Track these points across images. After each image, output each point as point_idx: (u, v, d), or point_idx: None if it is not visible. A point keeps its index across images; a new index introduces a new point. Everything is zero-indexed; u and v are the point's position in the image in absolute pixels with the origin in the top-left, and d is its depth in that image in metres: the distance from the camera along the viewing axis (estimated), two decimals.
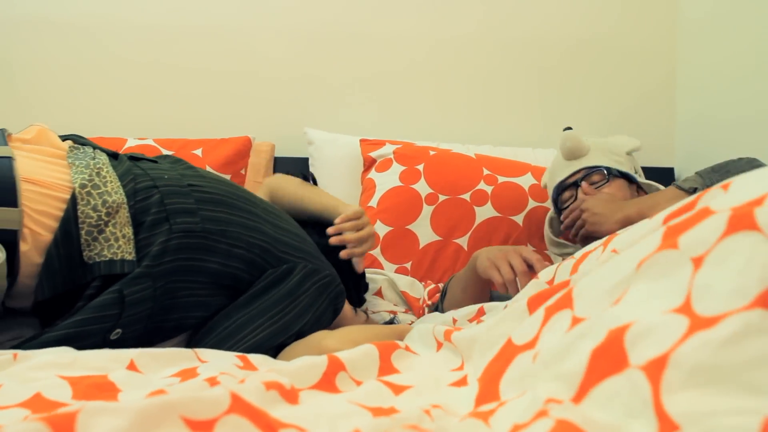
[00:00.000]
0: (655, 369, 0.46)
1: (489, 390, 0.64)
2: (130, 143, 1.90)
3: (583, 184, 1.53)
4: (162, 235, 0.95)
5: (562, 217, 1.56)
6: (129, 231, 0.94)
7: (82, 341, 0.87)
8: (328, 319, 1.13)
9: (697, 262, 0.52)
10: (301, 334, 1.04)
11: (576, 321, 0.60)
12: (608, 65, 2.27)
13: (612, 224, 1.34)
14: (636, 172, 1.60)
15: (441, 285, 1.62)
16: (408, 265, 1.79)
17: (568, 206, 1.56)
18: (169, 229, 0.95)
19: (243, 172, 1.95)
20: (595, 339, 0.53)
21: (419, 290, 1.62)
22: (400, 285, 1.61)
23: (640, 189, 1.58)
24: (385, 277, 1.64)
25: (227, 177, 1.88)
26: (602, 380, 0.50)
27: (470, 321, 1.09)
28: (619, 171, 1.55)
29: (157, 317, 0.96)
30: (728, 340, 0.44)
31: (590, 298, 0.62)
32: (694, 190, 1.25)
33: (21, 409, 0.61)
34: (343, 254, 1.21)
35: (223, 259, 1.00)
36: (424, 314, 1.53)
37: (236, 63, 2.16)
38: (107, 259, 0.91)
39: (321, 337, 1.04)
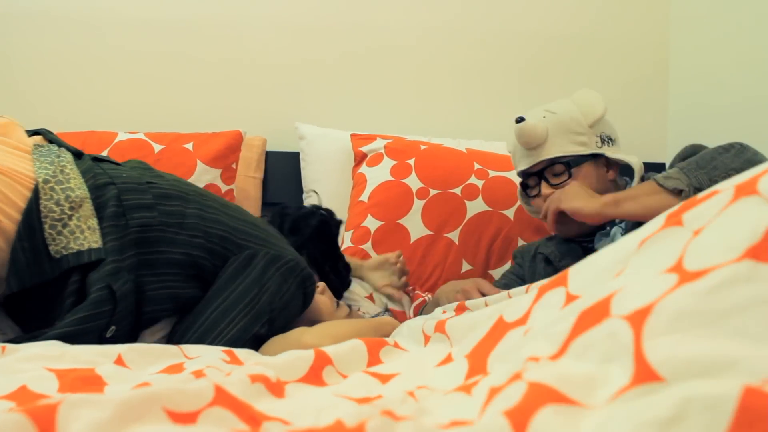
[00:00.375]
0: (638, 317, 0.46)
1: (478, 365, 0.64)
2: (121, 137, 1.90)
3: (544, 190, 1.42)
4: (119, 230, 0.97)
5: (535, 210, 1.53)
6: (94, 222, 0.96)
7: (80, 340, 0.87)
8: (298, 305, 1.15)
9: (698, 232, 0.52)
10: (272, 321, 1.07)
11: (571, 298, 0.60)
12: (600, 59, 2.27)
13: (589, 210, 1.25)
14: (605, 141, 1.42)
15: (427, 297, 1.63)
16: None
17: (534, 195, 1.47)
18: (126, 224, 0.98)
19: (234, 166, 1.95)
20: (585, 305, 0.53)
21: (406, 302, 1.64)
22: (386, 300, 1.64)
23: (611, 165, 1.44)
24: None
25: (218, 171, 1.88)
26: (582, 333, 0.50)
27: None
28: (581, 156, 1.40)
29: (139, 311, 0.98)
30: (714, 288, 0.44)
31: (587, 276, 0.62)
32: (679, 192, 1.15)
33: (6, 401, 0.61)
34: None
35: (185, 249, 1.02)
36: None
37: (227, 56, 2.15)
38: (74, 251, 0.92)
39: (300, 333, 1.06)
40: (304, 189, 2.02)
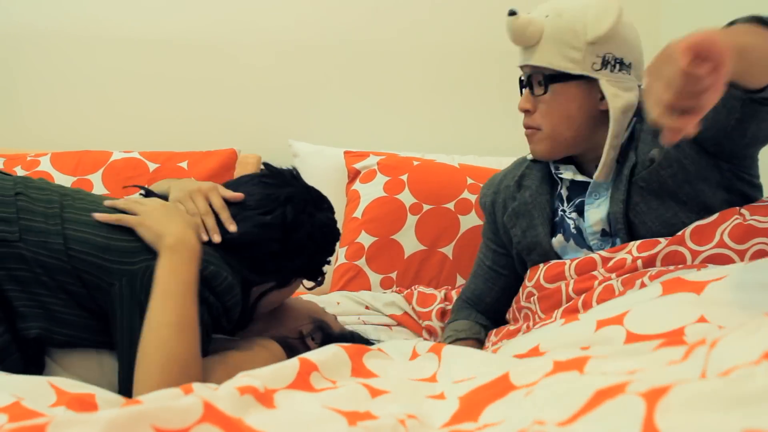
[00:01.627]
0: (654, 395, 0.47)
1: (470, 411, 0.64)
2: (116, 156, 1.91)
3: (523, 98, 1.24)
4: None
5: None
6: None
7: None
8: (220, 312, 1.00)
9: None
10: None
11: (586, 377, 0.61)
12: None
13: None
14: (609, 64, 1.17)
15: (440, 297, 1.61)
16: (393, 275, 1.79)
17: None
18: None
19: None
20: (602, 384, 0.54)
21: (402, 305, 1.62)
22: (385, 310, 1.60)
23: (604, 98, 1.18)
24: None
25: None
26: (595, 407, 0.51)
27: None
28: (568, 74, 1.17)
29: (15, 327, 0.92)
30: (733, 380, 0.46)
31: (606, 366, 0.62)
32: None
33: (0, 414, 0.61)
34: None
35: (52, 275, 0.93)
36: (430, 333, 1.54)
37: (221, 76, 2.17)
38: None
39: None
40: None
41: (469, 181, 1.87)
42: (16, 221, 0.94)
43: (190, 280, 0.94)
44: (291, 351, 1.09)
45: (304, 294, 1.47)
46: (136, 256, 0.97)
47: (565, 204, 1.26)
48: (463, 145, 2.18)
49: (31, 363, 0.94)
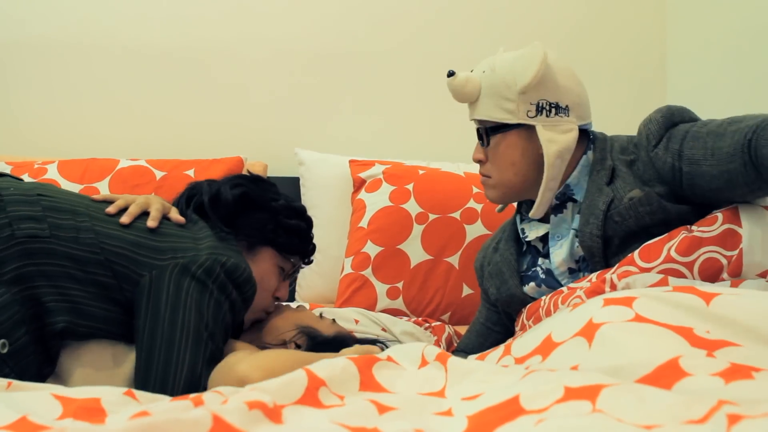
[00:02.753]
0: None
1: (479, 431, 0.64)
2: (123, 164, 1.91)
3: (476, 149, 1.31)
4: (3, 242, 0.95)
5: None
6: None
7: None
8: (237, 304, 1.07)
9: None
10: (213, 335, 1.02)
11: (597, 411, 0.61)
12: (597, 54, 2.30)
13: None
14: (543, 111, 1.21)
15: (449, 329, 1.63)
16: (400, 285, 1.79)
17: None
18: (12, 235, 0.96)
19: None
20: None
21: (421, 337, 1.58)
22: (402, 338, 1.56)
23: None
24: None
25: None
26: None
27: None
28: (505, 125, 1.23)
29: (36, 323, 0.95)
30: None
31: (622, 401, 0.62)
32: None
33: (6, 431, 0.61)
34: None
35: (82, 266, 0.99)
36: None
37: (228, 84, 2.18)
38: None
39: (235, 360, 1.00)
40: None
41: (475, 190, 1.87)
42: (44, 219, 0.99)
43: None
44: None
45: (319, 307, 1.49)
46: (166, 253, 1.04)
47: (539, 260, 1.31)
48: (468, 153, 2.17)
49: (47, 361, 0.97)
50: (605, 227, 1.17)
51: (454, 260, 1.80)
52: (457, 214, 1.83)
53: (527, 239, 1.32)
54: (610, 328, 0.85)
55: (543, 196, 1.22)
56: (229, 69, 2.18)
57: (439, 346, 1.57)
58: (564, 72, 1.25)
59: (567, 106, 1.23)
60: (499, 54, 1.29)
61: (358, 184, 1.96)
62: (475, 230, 1.82)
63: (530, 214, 1.25)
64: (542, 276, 1.28)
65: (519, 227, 1.34)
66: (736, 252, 1.05)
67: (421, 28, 2.25)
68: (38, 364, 0.96)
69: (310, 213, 1.99)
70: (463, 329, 1.62)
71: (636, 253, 1.11)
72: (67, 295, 0.97)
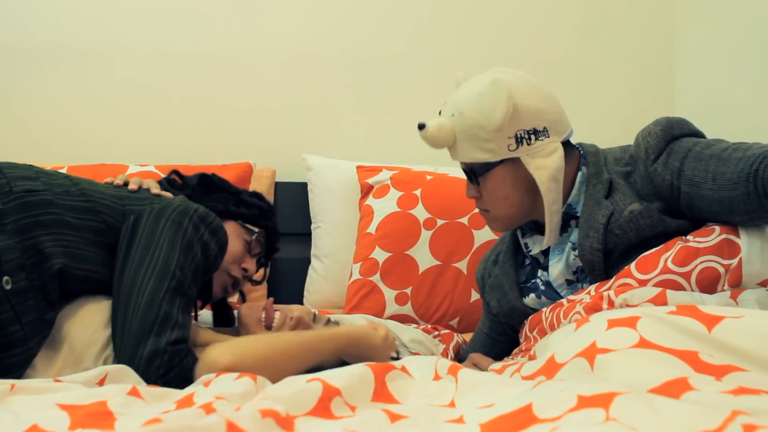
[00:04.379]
0: None
1: None
2: (132, 170, 1.92)
3: (468, 190, 1.30)
4: (2, 197, 1.03)
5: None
6: None
7: None
8: (209, 250, 1.13)
9: None
10: (183, 273, 1.06)
11: (609, 419, 0.60)
12: (605, 57, 2.30)
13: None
14: (523, 140, 1.18)
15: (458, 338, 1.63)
16: (408, 291, 1.79)
17: None
18: (9, 191, 1.05)
19: None
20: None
21: (430, 346, 1.57)
22: (410, 346, 1.55)
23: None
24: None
25: None
26: None
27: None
28: (490, 163, 1.21)
29: (36, 270, 1.02)
30: None
31: (633, 408, 0.62)
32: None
33: None
34: None
35: (76, 214, 1.09)
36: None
37: (236, 90, 2.19)
38: None
39: (209, 346, 1.04)
40: (312, 219, 2.03)
41: None
42: (38, 178, 1.10)
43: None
44: None
45: (328, 313, 1.51)
46: (144, 201, 1.17)
47: (539, 272, 1.31)
48: None
49: (47, 308, 1.03)
50: (606, 240, 1.16)
51: (462, 266, 1.80)
52: (465, 220, 1.83)
53: (531, 253, 1.32)
54: (615, 357, 0.83)
55: (551, 222, 1.20)
56: (237, 75, 2.19)
57: (447, 354, 1.56)
58: (531, 94, 1.19)
59: (545, 127, 1.20)
60: (461, 88, 1.26)
61: (366, 190, 1.96)
62: (483, 235, 1.81)
63: (545, 243, 1.23)
64: (542, 288, 1.28)
65: (522, 241, 1.34)
66: (734, 261, 1.04)
67: (429, 34, 2.25)
68: (39, 310, 1.01)
69: (318, 218, 2.02)
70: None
71: (633, 264, 1.10)
72: (62, 240, 1.06)
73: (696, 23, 2.22)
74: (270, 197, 2.04)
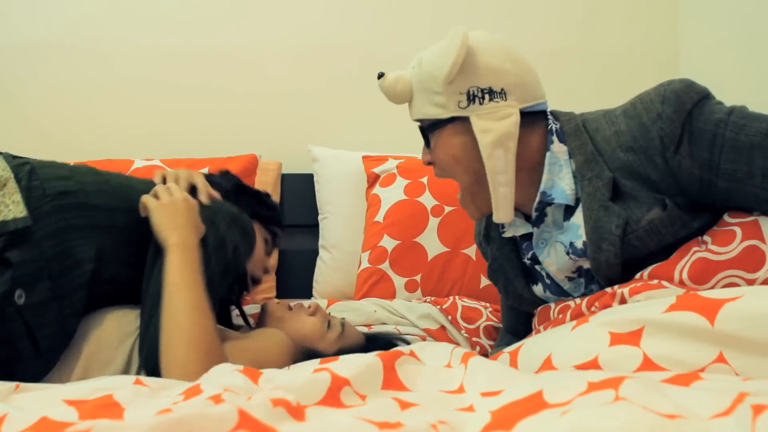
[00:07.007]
0: None
1: (502, 424, 0.63)
2: (138, 164, 1.92)
3: (423, 151, 1.20)
4: (36, 201, 1.02)
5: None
6: (18, 197, 1.01)
7: None
8: (244, 250, 1.17)
9: None
10: (210, 258, 1.08)
11: (618, 398, 0.60)
12: (609, 56, 2.28)
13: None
14: (475, 98, 1.07)
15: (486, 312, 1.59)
16: (417, 278, 1.79)
17: None
18: (43, 194, 1.03)
19: None
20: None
21: (438, 318, 1.57)
22: (420, 323, 1.55)
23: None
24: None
25: None
26: None
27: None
28: (440, 120, 1.11)
29: (69, 274, 1.01)
30: None
31: (640, 387, 0.62)
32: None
33: None
34: None
35: (107, 212, 1.09)
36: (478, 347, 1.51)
37: (241, 82, 2.19)
38: None
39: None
40: (319, 210, 2.03)
41: None
42: (71, 177, 1.09)
43: (196, 271, 1.04)
44: None
45: (337, 302, 1.56)
46: None
47: (526, 256, 1.22)
48: None
49: (71, 317, 1.01)
50: (623, 252, 1.04)
51: (471, 251, 1.80)
52: None
53: (504, 235, 1.23)
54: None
55: (495, 194, 1.07)
56: (242, 67, 2.19)
57: (457, 324, 1.56)
58: (495, 53, 1.08)
59: (502, 89, 1.07)
60: (434, 43, 1.16)
61: (372, 179, 1.96)
62: None
63: (494, 219, 1.10)
64: (547, 281, 1.19)
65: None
66: (760, 274, 0.92)
67: (434, 23, 2.24)
68: (60, 321, 0.99)
69: (325, 209, 2.02)
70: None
71: (645, 275, 1.01)
72: (93, 243, 1.05)
73: (700, 9, 2.20)
74: (277, 189, 2.04)
